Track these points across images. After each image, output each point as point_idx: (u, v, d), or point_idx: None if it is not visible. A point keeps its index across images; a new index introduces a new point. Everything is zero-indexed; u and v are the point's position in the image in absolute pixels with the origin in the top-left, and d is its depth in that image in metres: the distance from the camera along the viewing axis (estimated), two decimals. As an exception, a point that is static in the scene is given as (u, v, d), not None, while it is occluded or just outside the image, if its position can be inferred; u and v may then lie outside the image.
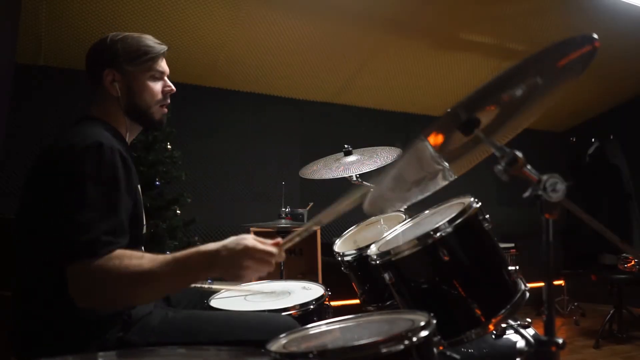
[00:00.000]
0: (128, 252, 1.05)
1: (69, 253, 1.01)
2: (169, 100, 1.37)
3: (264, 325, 1.20)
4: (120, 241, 1.06)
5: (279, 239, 1.14)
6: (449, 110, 0.95)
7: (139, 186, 1.27)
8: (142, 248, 1.29)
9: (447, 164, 1.19)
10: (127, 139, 1.34)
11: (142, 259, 1.04)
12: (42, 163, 1.16)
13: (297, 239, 1.16)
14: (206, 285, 1.45)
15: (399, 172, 1.11)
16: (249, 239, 1.09)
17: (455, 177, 1.25)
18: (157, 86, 1.33)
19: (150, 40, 1.33)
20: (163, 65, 1.35)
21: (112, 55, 1.27)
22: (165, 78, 1.36)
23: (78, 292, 1.01)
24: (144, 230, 1.32)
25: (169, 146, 3.33)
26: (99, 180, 1.07)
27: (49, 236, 1.06)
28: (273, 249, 1.10)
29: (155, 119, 1.35)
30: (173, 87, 1.37)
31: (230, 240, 1.09)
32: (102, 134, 1.14)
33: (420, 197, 1.27)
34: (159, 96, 1.33)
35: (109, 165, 1.09)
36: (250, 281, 1.15)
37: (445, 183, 1.26)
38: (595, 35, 0.88)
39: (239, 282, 1.38)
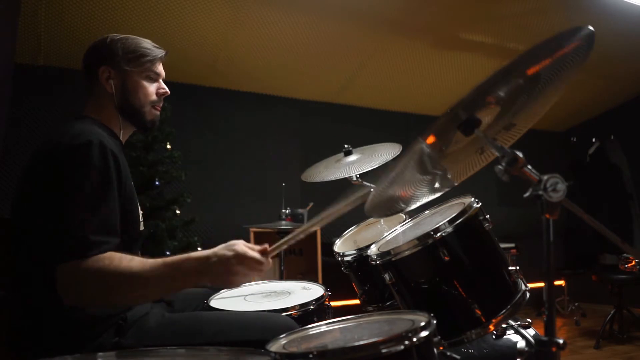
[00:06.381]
0: (118, 254, 1.04)
1: (59, 253, 1.00)
2: (162, 103, 1.39)
3: (262, 326, 1.20)
4: (111, 241, 1.06)
5: (266, 245, 1.15)
6: (448, 110, 0.95)
7: (132, 184, 1.26)
8: (138, 247, 1.28)
9: (447, 171, 1.19)
10: (120, 138, 1.33)
11: (132, 261, 1.04)
12: (33, 162, 1.16)
13: (284, 247, 1.18)
14: None
15: (399, 173, 1.11)
16: (240, 245, 1.10)
17: (456, 184, 1.25)
18: (151, 87, 1.35)
19: (149, 44, 1.35)
20: (160, 68, 1.37)
21: (111, 53, 1.29)
22: (161, 81, 1.38)
23: (66, 290, 1.00)
24: (142, 228, 1.32)
25: (168, 146, 3.33)
26: (88, 179, 1.06)
27: (40, 236, 1.06)
28: (262, 257, 1.12)
29: (147, 119, 1.36)
30: (167, 90, 1.39)
31: (221, 247, 1.11)
32: (92, 131, 1.14)
33: (423, 200, 1.27)
34: (153, 97, 1.35)
35: (98, 163, 1.09)
36: (239, 286, 1.18)
37: (446, 189, 1.26)
38: (592, 28, 0.89)
39: (227, 288, 1.47)
